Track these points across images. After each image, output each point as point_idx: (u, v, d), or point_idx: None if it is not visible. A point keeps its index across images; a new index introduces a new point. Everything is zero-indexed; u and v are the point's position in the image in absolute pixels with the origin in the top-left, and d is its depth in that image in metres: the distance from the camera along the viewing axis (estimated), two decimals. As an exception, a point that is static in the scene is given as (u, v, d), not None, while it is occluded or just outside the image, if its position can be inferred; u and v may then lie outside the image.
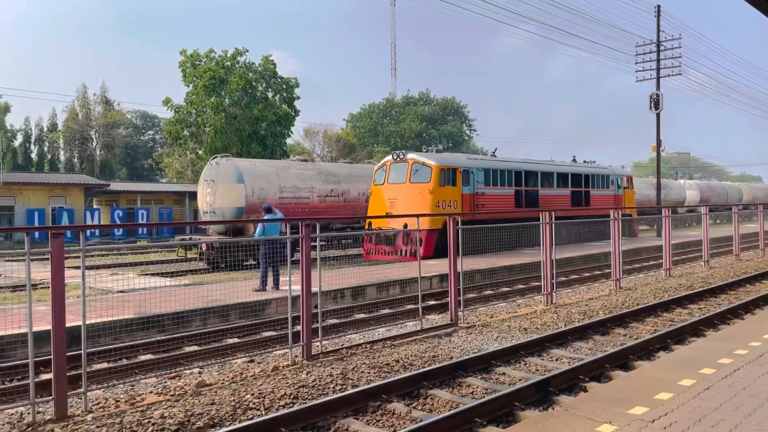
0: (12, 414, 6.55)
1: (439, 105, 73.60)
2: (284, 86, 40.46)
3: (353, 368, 7.67)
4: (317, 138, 59.04)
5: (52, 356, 6.19)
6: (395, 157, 21.80)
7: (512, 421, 5.97)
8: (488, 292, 14.81)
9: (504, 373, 7.63)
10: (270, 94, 39.99)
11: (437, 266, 15.81)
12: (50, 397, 6.23)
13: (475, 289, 14.43)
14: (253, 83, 38.49)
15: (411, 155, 21.68)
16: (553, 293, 12.59)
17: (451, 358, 8.17)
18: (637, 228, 31.57)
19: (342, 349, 8.76)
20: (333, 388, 6.96)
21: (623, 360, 7.94)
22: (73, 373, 7.07)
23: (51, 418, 6.13)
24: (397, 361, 8.03)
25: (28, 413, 6.28)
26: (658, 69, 35.26)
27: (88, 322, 6.67)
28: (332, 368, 7.69)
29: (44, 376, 7.51)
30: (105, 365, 8.55)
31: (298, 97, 41.19)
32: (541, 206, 23.50)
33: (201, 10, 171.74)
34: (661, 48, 35.48)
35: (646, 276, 17.11)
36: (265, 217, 13.76)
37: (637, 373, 6.80)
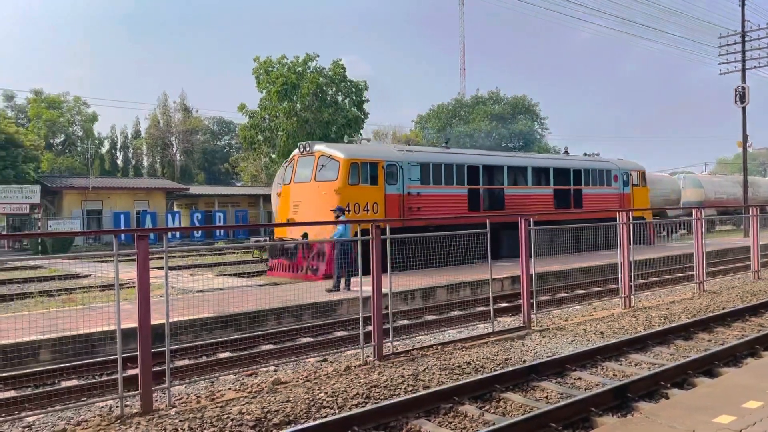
0: (102, 407, 6.94)
1: (509, 104, 72.47)
2: (353, 89, 40.95)
3: (424, 369, 7.67)
4: (386, 140, 59.43)
5: (138, 353, 6.51)
6: (302, 149, 17.85)
7: (589, 427, 5.83)
8: (562, 294, 14.46)
9: (580, 378, 7.45)
10: (340, 98, 40.57)
11: (510, 268, 15.59)
12: (137, 392, 6.56)
13: (549, 291, 14.14)
14: (324, 87, 39.16)
15: (318, 147, 17.54)
16: (631, 296, 12.17)
17: (524, 361, 8.04)
18: (653, 234, 26.55)
19: (413, 350, 8.79)
20: (404, 388, 6.99)
21: (708, 366, 7.60)
22: (157, 369, 7.40)
23: (137, 411, 6.45)
24: (469, 363, 7.98)
25: (117, 407, 6.63)
26: (744, 60, 33.54)
27: (170, 320, 6.98)
28: (403, 369, 7.72)
29: (130, 372, 7.89)
30: (187, 362, 8.91)
31: (367, 100, 41.64)
32: (509, 209, 19.85)
33: (271, 16, 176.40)
34: (747, 38, 33.72)
35: (732, 278, 16.28)
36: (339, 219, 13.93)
37: (723, 380, 6.50)
